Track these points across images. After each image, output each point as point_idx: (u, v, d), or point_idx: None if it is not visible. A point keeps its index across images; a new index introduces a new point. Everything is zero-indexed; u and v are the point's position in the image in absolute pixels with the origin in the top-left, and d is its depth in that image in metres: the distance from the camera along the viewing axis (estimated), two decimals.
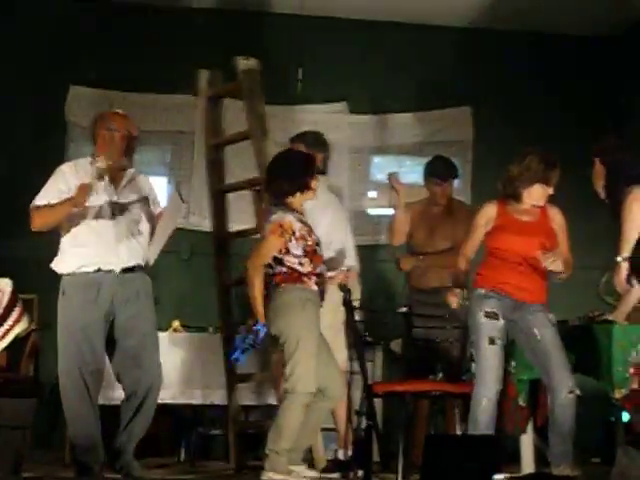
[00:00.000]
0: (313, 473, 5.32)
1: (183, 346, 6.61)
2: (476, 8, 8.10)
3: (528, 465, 6.04)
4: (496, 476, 4.54)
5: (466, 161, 8.40)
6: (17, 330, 5.91)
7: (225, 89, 6.64)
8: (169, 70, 7.87)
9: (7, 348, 5.90)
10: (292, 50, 8.08)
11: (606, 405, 5.61)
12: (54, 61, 7.82)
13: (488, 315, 5.46)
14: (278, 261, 5.28)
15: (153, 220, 5.60)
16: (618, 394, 5.68)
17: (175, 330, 6.90)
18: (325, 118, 8.21)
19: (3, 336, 5.83)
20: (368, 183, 8.41)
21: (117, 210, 5.44)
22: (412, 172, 8.07)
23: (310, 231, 5.36)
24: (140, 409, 5.38)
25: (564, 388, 5.44)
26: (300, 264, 5.26)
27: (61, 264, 5.48)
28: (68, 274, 5.43)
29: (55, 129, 7.84)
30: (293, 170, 5.38)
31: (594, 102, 8.45)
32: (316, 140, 6.21)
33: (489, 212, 5.63)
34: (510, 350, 6.06)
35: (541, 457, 6.12)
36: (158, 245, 5.60)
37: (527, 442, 6.10)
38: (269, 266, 5.29)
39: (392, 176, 6.62)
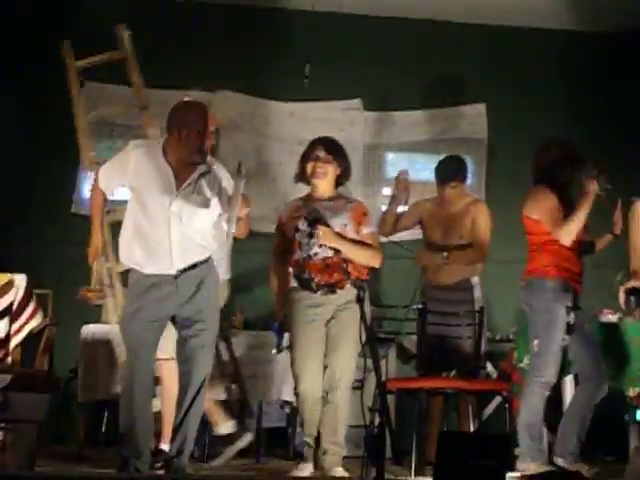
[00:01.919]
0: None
1: None
2: (492, 6, 8.08)
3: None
4: (509, 474, 4.53)
5: (481, 158, 8.39)
6: (32, 325, 5.93)
7: (111, 56, 6.96)
8: (185, 66, 7.88)
9: (21, 343, 5.91)
10: (302, 47, 8.07)
11: (620, 403, 5.60)
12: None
13: (568, 309, 5.47)
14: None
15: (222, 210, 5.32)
16: (632, 392, 5.68)
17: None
18: (340, 115, 8.21)
19: (17, 331, 5.85)
20: (382, 180, 8.40)
21: (174, 216, 5.18)
22: (425, 169, 8.06)
23: (298, 218, 5.55)
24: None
25: (605, 385, 5.46)
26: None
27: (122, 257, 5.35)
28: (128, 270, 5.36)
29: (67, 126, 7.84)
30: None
31: (610, 100, 8.43)
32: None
33: None
34: (524, 347, 6.06)
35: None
36: (231, 222, 5.09)
37: None
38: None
39: (401, 172, 6.67)
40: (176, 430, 5.26)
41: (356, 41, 8.30)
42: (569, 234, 5.46)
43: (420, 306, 6.14)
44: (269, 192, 7.93)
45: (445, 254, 6.39)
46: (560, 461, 5.46)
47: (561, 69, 8.47)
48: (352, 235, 5.60)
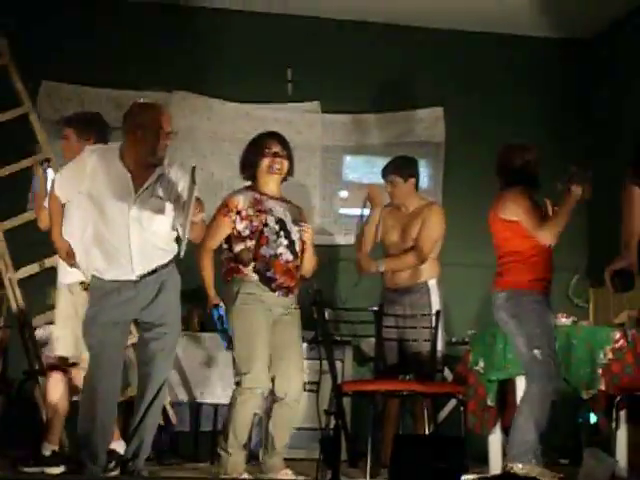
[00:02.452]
0: None
1: None
2: (450, 10, 8.11)
3: (496, 466, 6.05)
4: (464, 476, 4.55)
5: (438, 161, 8.42)
6: None
7: None
8: (143, 66, 7.84)
9: None
10: (275, 50, 8.06)
11: (574, 406, 5.63)
12: (25, 56, 7.75)
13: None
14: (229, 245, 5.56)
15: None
16: (586, 395, 5.72)
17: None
18: (298, 117, 8.21)
19: None
20: (340, 183, 8.41)
21: (134, 220, 5.13)
22: None
23: (265, 212, 5.50)
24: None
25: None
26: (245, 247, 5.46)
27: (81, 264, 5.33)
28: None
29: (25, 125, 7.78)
30: (244, 152, 5.76)
31: (565, 102, 8.52)
32: None
33: None
34: (479, 350, 6.08)
35: None
36: (185, 226, 5.10)
37: (495, 442, 6.12)
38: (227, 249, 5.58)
39: (370, 189, 6.58)
40: (133, 433, 5.22)
41: (313, 43, 8.29)
42: (552, 234, 5.46)
43: (376, 308, 6.15)
44: (226, 193, 7.90)
45: (380, 263, 6.41)
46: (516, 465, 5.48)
47: (516, 73, 8.53)
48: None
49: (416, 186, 6.61)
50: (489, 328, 6.01)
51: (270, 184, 5.67)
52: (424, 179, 8.40)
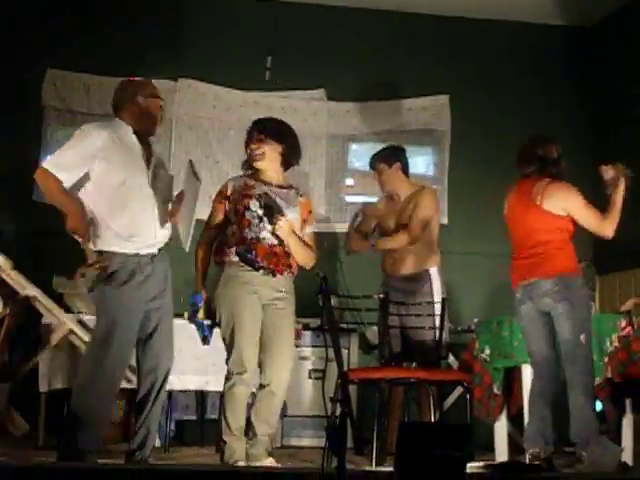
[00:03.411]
0: None
1: None
2: None
3: (502, 453, 6.07)
4: (470, 464, 4.55)
5: (443, 149, 8.41)
6: None
7: None
8: (148, 54, 7.82)
9: None
10: (264, 36, 8.03)
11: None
12: (30, 44, 7.76)
13: None
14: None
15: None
16: None
17: None
18: (303, 105, 8.20)
19: None
20: (345, 170, 8.40)
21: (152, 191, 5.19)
22: None
23: (249, 197, 5.44)
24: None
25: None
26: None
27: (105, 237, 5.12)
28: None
29: (32, 113, 7.79)
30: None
31: (572, 90, 8.50)
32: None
33: None
34: (485, 338, 6.09)
35: (515, 445, 6.15)
36: (187, 229, 5.29)
37: (501, 430, 6.13)
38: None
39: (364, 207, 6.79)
40: (140, 424, 5.18)
41: (319, 31, 8.28)
42: (614, 227, 5.47)
43: (382, 296, 6.14)
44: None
45: (372, 241, 6.45)
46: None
47: (523, 61, 8.51)
48: (297, 230, 5.55)
49: (405, 172, 6.66)
50: (496, 316, 6.01)
51: (265, 172, 5.59)
52: (429, 167, 8.42)
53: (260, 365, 5.43)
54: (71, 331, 6.35)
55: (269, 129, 5.57)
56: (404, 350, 6.38)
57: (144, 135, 5.27)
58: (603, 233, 5.50)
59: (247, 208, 5.41)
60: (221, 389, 5.54)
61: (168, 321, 5.33)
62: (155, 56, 7.85)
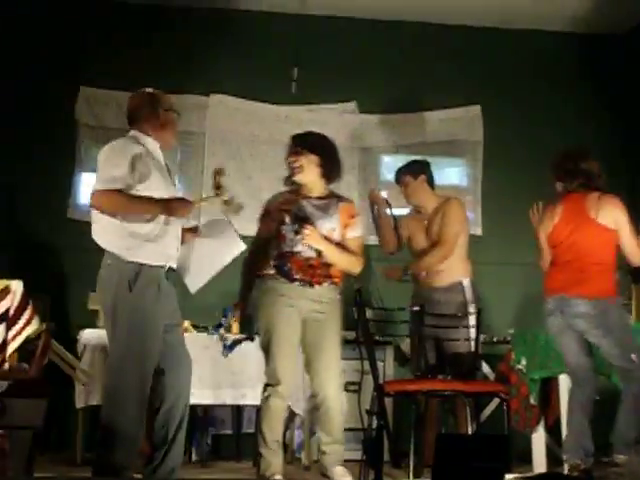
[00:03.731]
0: None
1: (193, 346, 6.57)
2: (486, 6, 8.08)
3: (540, 464, 6.03)
4: (508, 476, 4.53)
5: (476, 160, 8.38)
6: (28, 331, 5.90)
7: None
8: (179, 70, 7.87)
9: (18, 349, 5.89)
10: (294, 51, 8.04)
11: (617, 403, 5.58)
12: (63, 63, 7.82)
13: None
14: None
15: None
16: None
17: (185, 330, 6.87)
18: (334, 118, 8.21)
19: (14, 337, 5.82)
20: (377, 183, 8.39)
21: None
22: None
23: (286, 211, 5.50)
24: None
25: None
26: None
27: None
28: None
29: (65, 130, 7.84)
30: None
31: (606, 101, 8.44)
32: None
33: None
34: (521, 349, 6.06)
35: (552, 456, 6.12)
36: (202, 277, 5.26)
37: (539, 441, 6.09)
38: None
39: (373, 192, 6.85)
40: (170, 443, 5.03)
41: (349, 44, 8.28)
42: None
43: (417, 308, 6.13)
44: (265, 196, 7.93)
45: (407, 271, 6.44)
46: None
47: (556, 71, 8.47)
48: (338, 237, 5.58)
49: (431, 185, 6.65)
50: (531, 326, 5.98)
51: (305, 186, 5.65)
52: (463, 178, 8.39)
53: (309, 376, 5.51)
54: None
55: (305, 142, 5.63)
56: (439, 362, 6.36)
57: (164, 148, 5.26)
58: (636, 257, 5.53)
59: (282, 223, 5.47)
60: (257, 403, 5.56)
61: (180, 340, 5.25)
62: (186, 72, 7.90)
